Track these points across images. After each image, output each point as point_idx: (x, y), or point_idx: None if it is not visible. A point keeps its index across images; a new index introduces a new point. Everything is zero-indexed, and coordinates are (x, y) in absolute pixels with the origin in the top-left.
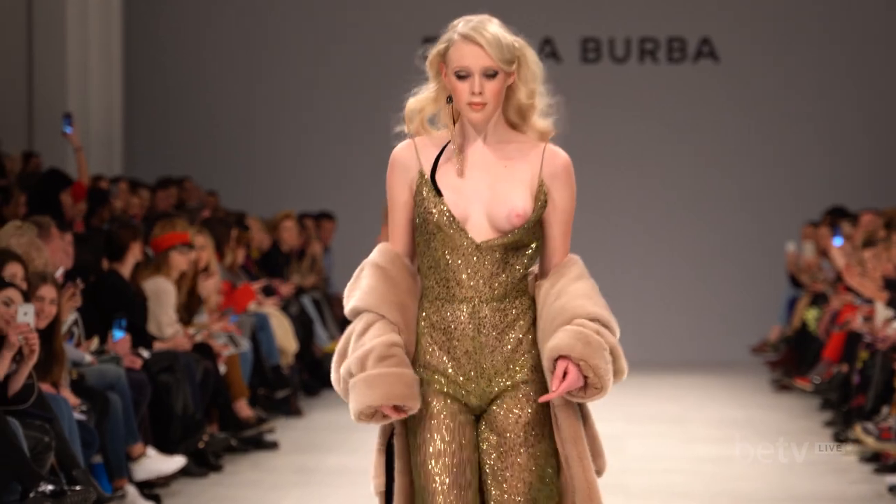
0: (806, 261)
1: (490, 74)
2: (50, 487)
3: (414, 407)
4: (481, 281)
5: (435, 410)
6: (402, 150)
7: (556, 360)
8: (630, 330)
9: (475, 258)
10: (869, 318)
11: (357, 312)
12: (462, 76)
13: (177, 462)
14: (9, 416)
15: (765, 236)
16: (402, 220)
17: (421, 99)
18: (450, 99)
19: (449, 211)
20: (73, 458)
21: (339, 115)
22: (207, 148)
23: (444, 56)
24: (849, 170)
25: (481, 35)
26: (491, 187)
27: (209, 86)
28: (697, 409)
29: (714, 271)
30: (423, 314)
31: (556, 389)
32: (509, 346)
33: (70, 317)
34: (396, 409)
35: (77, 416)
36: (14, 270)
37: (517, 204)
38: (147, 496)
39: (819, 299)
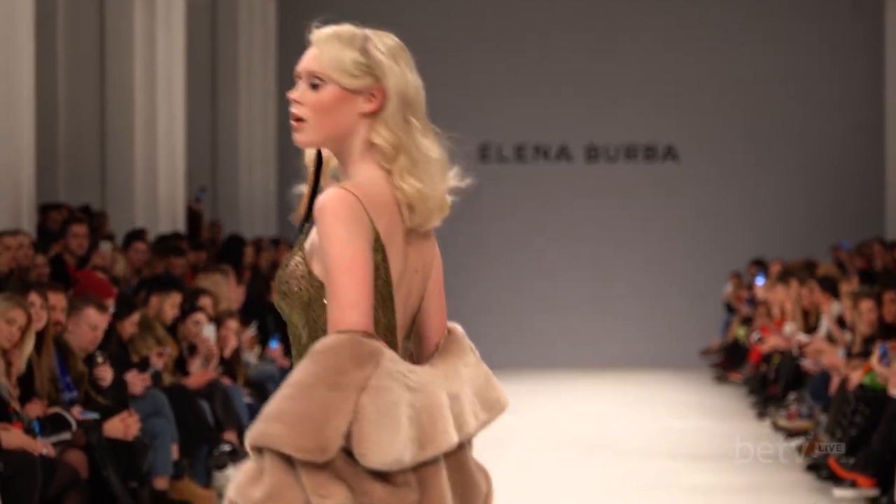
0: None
1: (313, 84)
2: (227, 448)
3: None
4: None
5: None
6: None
7: None
8: (618, 338)
9: None
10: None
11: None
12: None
13: None
14: (199, 399)
15: (709, 278)
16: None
17: None
18: None
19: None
20: (242, 427)
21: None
22: None
23: None
24: (766, 231)
25: (318, 32)
26: None
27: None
28: (661, 394)
29: (676, 300)
30: None
31: None
32: None
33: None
34: None
35: (245, 399)
36: (205, 302)
37: None
38: None
39: (746, 320)
